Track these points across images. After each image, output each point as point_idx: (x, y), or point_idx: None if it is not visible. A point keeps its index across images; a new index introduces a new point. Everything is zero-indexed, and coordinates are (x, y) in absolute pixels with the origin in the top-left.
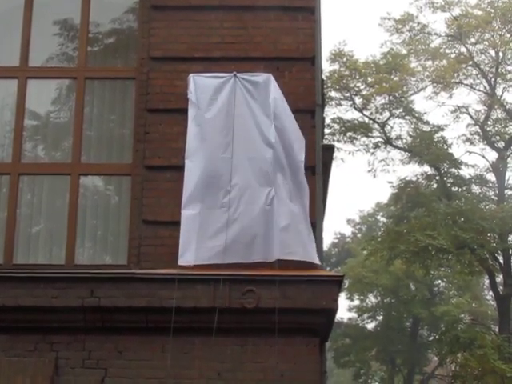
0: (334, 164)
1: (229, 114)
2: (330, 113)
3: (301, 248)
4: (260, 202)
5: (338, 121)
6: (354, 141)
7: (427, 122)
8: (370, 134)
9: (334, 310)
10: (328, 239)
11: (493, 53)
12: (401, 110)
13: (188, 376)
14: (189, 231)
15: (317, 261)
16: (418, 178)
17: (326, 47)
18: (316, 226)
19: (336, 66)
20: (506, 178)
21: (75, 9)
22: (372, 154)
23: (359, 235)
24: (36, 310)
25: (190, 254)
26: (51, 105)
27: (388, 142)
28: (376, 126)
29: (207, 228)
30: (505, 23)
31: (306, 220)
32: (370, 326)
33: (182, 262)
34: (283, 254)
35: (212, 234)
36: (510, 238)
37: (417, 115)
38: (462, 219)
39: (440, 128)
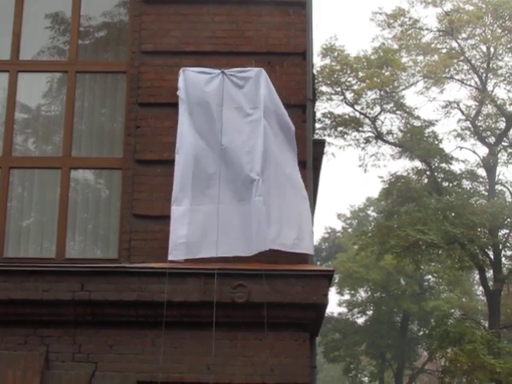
0: (324, 159)
1: (218, 110)
2: (321, 107)
3: (292, 240)
4: (249, 196)
5: (328, 115)
6: (345, 135)
7: (418, 117)
8: (360, 129)
9: (324, 305)
10: (318, 234)
11: (484, 48)
12: (392, 104)
13: (178, 370)
14: (179, 226)
15: (311, 251)
16: (408, 173)
17: (318, 42)
18: None
19: (327, 61)
20: (497, 173)
21: (66, 2)
22: (363, 148)
23: (350, 230)
24: (26, 303)
25: (180, 249)
26: (42, 98)
27: (379, 136)
28: (367, 120)
29: (197, 222)
30: (496, 18)
31: (302, 211)
32: (360, 320)
33: (172, 256)
34: (273, 245)
35: (202, 229)
36: (500, 234)
37: (408, 110)
38: (453, 214)
39: (431, 123)
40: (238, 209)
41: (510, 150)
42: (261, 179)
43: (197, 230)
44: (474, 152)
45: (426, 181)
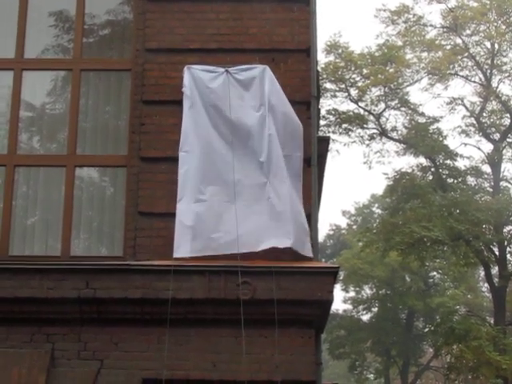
0: (329, 155)
1: (224, 108)
2: (326, 104)
3: (297, 239)
4: (255, 196)
5: (333, 112)
6: (350, 132)
7: (422, 114)
8: (365, 126)
9: (330, 302)
10: (323, 231)
11: (488, 44)
12: (396, 101)
13: (183, 367)
14: (184, 223)
15: (310, 254)
16: (413, 170)
17: (322, 39)
18: (311, 217)
19: (331, 58)
20: (502, 169)
21: (70, 0)
22: (367, 145)
23: (354, 227)
24: (32, 301)
25: (185, 247)
26: (47, 96)
27: (383, 133)
28: (371, 117)
29: (202, 220)
30: (500, 15)
31: (300, 213)
32: (366, 317)
33: (177, 254)
34: (278, 244)
35: (207, 226)
36: (505, 230)
37: (412, 107)
38: (458, 211)
39: (435, 119)
40: (243, 207)
41: None
42: (265, 181)
43: (202, 227)
44: (479, 148)
45: (430, 177)
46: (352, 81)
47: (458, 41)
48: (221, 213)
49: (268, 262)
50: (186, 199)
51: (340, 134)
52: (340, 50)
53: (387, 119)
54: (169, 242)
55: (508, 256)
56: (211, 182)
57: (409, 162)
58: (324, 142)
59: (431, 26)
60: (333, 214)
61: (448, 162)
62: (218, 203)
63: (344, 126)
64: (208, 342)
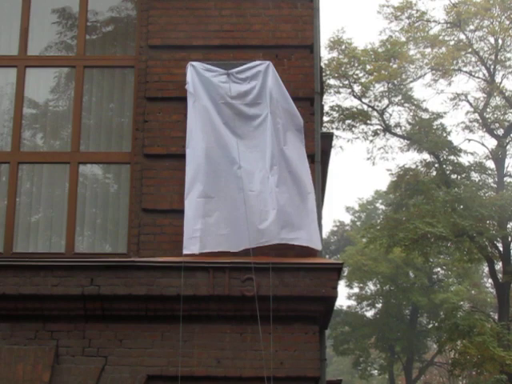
0: (332, 152)
1: (226, 104)
2: (329, 100)
3: (303, 233)
4: (261, 190)
5: (336, 108)
6: (353, 128)
7: (426, 110)
8: (368, 122)
9: (334, 298)
10: (327, 227)
11: (492, 40)
12: (400, 97)
13: (188, 364)
14: (192, 219)
15: (319, 246)
16: (417, 166)
17: (325, 35)
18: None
19: (335, 54)
20: (506, 165)
21: None
22: (371, 141)
23: (358, 223)
24: (36, 298)
25: (194, 244)
26: (50, 93)
27: (387, 129)
28: (375, 113)
29: (211, 216)
30: (504, 10)
31: (310, 205)
32: (369, 313)
33: (186, 250)
34: (286, 240)
35: (216, 222)
36: (509, 226)
37: (416, 103)
38: (462, 207)
39: (439, 115)
40: (249, 203)
41: None
42: (270, 176)
43: (210, 223)
44: (483, 144)
45: (434, 173)
46: (355, 77)
47: (462, 36)
48: (229, 208)
49: (272, 259)
50: (193, 195)
51: (343, 130)
52: (343, 46)
53: (391, 115)
54: (173, 239)
55: None
56: (218, 178)
57: (412, 158)
58: (327, 139)
59: (434, 21)
60: (336, 211)
61: (452, 157)
62: (223, 200)
63: (347, 122)
64: (212, 338)
